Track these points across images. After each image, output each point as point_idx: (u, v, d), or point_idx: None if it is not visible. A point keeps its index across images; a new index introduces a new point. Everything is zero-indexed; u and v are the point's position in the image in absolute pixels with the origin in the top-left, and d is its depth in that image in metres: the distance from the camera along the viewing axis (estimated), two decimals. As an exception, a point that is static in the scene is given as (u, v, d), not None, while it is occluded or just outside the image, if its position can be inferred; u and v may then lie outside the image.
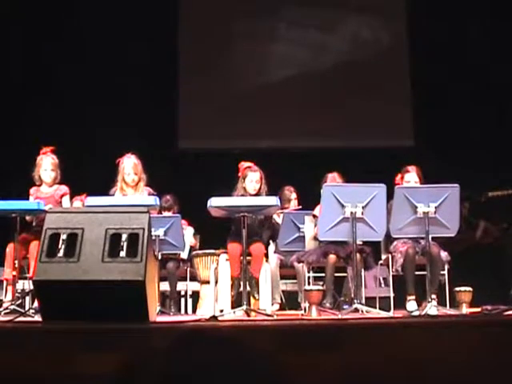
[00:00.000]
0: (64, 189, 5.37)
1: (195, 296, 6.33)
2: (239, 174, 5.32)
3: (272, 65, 8.75)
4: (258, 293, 5.23)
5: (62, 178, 5.42)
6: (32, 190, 5.36)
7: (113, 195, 5.29)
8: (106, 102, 7.89)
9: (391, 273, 5.08)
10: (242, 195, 5.21)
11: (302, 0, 8.78)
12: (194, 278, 6.16)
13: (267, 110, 8.47)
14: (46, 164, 5.32)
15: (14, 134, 7.75)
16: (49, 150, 5.36)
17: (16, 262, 4.84)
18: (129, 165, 5.30)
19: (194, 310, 6.19)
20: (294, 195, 6.42)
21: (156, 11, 8.27)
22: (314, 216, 5.32)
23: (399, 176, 5.17)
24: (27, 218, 5.18)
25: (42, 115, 7.87)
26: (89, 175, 6.64)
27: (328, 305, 4.93)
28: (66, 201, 5.35)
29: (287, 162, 7.86)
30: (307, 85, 8.57)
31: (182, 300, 6.56)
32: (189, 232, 6.35)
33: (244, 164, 5.35)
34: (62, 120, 7.81)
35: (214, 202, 4.55)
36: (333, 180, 5.36)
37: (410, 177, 5.12)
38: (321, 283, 5.38)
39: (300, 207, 6.23)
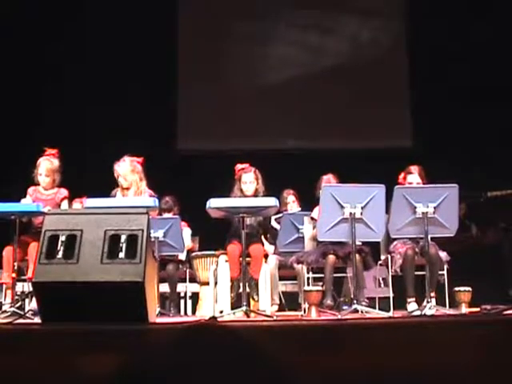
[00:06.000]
0: (64, 192, 5.37)
1: (195, 297, 6.33)
2: (236, 177, 5.34)
3: (271, 66, 8.76)
4: (258, 294, 5.23)
5: (63, 180, 5.42)
6: (31, 190, 5.34)
7: (114, 196, 5.31)
8: (105, 104, 7.90)
9: (390, 273, 5.07)
10: (240, 197, 5.22)
11: (302, 2, 8.80)
12: (193, 280, 6.17)
13: (266, 112, 8.47)
14: (42, 169, 5.31)
15: (13, 136, 7.75)
16: (52, 154, 5.35)
17: (15, 264, 4.83)
18: (120, 170, 5.34)
19: (194, 312, 6.20)
20: (292, 198, 6.41)
21: (156, 13, 8.28)
22: (312, 218, 5.32)
23: (402, 175, 5.14)
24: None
25: (43, 116, 7.88)
26: (88, 177, 6.63)
27: (328, 304, 4.93)
28: (64, 204, 5.35)
29: (286, 163, 7.86)
30: (306, 86, 8.57)
31: (182, 301, 6.56)
32: (186, 233, 6.34)
33: (239, 166, 5.36)
34: (61, 121, 7.81)
35: (213, 203, 4.54)
36: (328, 182, 5.36)
37: (413, 178, 5.07)
38: (320, 284, 5.38)
39: (299, 209, 6.23)
